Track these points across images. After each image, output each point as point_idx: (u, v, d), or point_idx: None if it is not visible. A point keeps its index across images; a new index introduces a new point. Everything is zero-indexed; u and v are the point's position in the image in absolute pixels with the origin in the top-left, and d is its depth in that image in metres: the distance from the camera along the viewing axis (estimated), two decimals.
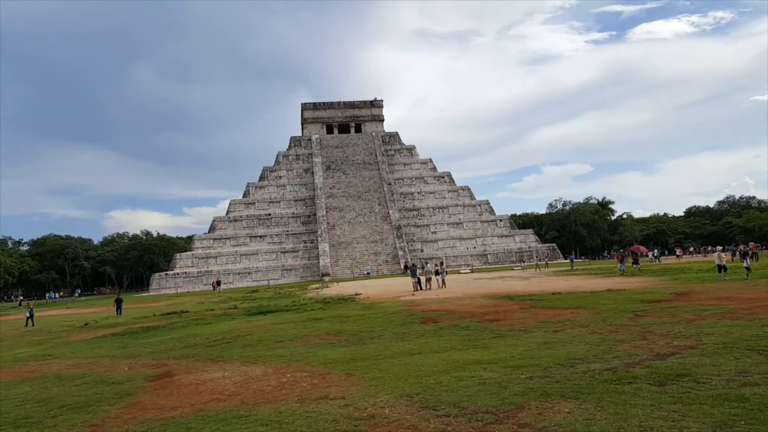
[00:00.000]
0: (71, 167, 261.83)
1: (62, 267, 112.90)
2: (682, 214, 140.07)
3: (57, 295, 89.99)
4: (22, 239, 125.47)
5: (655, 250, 73.37)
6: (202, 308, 34.71)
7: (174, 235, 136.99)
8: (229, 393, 9.16)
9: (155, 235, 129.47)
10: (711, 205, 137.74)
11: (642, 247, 73.08)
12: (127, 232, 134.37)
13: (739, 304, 16.10)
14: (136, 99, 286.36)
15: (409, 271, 37.31)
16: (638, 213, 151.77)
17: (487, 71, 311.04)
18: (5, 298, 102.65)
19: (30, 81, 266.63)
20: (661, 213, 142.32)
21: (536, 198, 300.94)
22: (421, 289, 34.19)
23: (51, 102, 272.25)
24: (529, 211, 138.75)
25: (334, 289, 43.80)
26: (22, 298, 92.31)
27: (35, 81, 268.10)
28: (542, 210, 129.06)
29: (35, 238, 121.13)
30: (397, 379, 8.92)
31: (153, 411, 8.41)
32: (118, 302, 36.32)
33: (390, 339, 14.01)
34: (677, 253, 77.89)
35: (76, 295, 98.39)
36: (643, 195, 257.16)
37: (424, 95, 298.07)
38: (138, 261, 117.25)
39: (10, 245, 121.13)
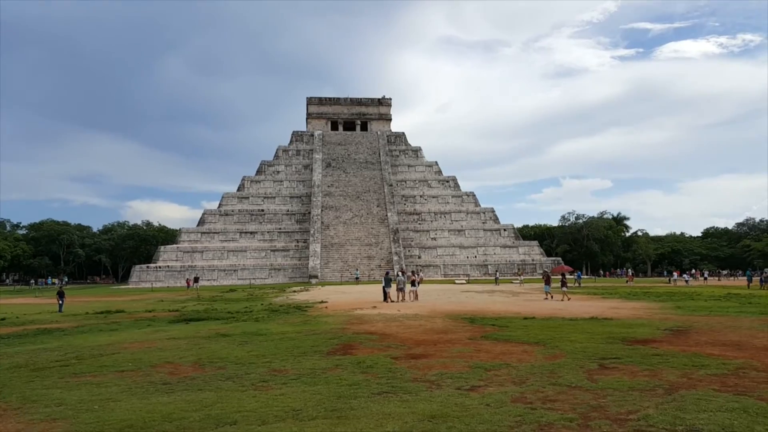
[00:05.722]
0: (95, 155, 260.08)
1: (57, 253, 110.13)
2: (700, 234, 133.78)
3: (50, 281, 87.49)
4: (20, 222, 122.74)
5: (683, 272, 68.32)
6: (144, 308, 31.10)
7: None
8: None
9: (156, 225, 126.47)
10: (730, 227, 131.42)
11: (568, 267, 68.21)
12: (127, 222, 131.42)
13: (750, 356, 11.80)
14: (164, 91, 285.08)
15: (383, 280, 33.34)
16: (655, 231, 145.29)
17: (511, 82, 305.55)
18: None
19: (61, 67, 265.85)
20: (678, 233, 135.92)
21: (554, 210, 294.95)
22: (387, 300, 30.56)
23: (79, 89, 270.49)
24: (545, 223, 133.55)
25: (309, 294, 40.49)
26: None
27: (66, 68, 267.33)
28: (557, 222, 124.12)
29: (33, 222, 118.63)
30: None
31: None
32: (60, 295, 32.89)
33: (247, 383, 9.99)
34: (705, 275, 73.03)
35: (63, 282, 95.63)
36: (661, 213, 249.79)
37: (447, 102, 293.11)
38: (134, 252, 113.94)
39: (8, 228, 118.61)
